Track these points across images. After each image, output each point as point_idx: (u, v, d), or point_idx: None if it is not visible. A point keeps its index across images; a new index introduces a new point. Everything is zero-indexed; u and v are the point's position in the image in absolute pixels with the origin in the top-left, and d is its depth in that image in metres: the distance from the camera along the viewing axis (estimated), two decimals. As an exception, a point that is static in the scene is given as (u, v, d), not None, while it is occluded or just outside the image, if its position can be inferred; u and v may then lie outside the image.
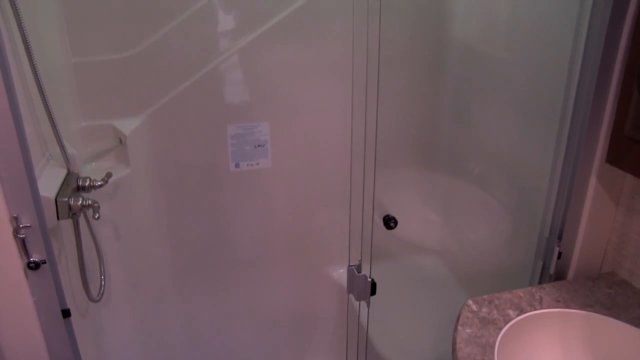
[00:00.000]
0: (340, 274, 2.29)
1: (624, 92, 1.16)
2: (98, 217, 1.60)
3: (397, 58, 2.03)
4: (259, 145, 2.00)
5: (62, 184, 1.54)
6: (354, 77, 1.81)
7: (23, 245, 1.13)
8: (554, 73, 1.52)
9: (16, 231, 1.11)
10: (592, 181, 1.32)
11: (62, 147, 1.57)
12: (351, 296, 1.90)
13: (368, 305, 1.78)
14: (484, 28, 1.92)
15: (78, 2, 1.74)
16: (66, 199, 1.47)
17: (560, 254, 1.46)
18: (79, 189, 1.65)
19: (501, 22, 1.84)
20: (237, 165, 2.01)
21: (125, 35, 1.81)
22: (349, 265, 1.81)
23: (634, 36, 1.12)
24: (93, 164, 1.94)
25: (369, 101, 1.67)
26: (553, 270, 1.49)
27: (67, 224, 1.65)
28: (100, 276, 1.87)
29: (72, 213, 1.52)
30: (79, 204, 1.52)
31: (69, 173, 1.61)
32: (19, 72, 1.40)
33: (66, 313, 1.26)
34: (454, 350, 1.13)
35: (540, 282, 1.57)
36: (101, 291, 1.85)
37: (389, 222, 2.06)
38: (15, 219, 1.11)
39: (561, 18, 1.49)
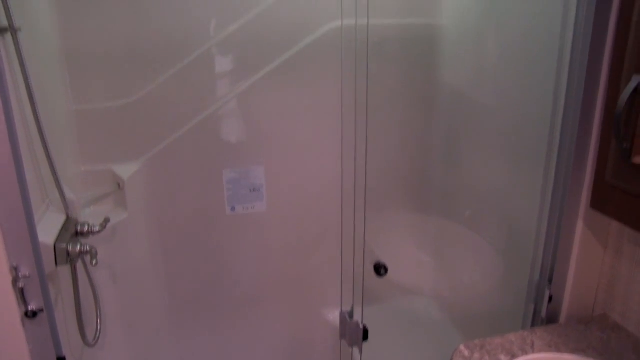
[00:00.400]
0: (336, 316, 2.29)
1: (603, 139, 1.20)
2: (96, 264, 1.62)
3: (387, 101, 2.09)
4: (254, 190, 2.03)
5: (61, 229, 1.57)
6: (343, 120, 1.86)
7: (21, 294, 1.15)
8: (538, 118, 1.57)
9: (15, 280, 1.13)
10: (579, 225, 1.34)
11: (61, 193, 1.61)
12: (344, 341, 1.90)
13: (360, 352, 1.78)
14: (472, 74, 1.98)
15: (80, 52, 1.80)
16: (65, 246, 1.49)
17: (551, 297, 1.47)
18: (78, 234, 1.67)
19: (488, 70, 1.90)
20: (233, 209, 2.04)
21: (125, 83, 1.87)
22: (341, 311, 1.81)
23: (610, 82, 1.16)
24: (91, 207, 1.97)
25: (359, 144, 1.71)
26: (544, 313, 1.50)
27: (64, 270, 1.67)
28: (97, 320, 1.88)
29: (70, 259, 1.54)
30: (77, 250, 1.55)
31: (67, 218, 1.64)
32: (22, 118, 1.44)
33: (62, 360, 1.27)
34: (446, 396, 1.13)
35: (533, 325, 1.58)
36: (97, 335, 1.85)
37: (380, 269, 2.06)
38: (15, 269, 1.12)
39: (544, 65, 1.54)
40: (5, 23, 1.33)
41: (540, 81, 1.57)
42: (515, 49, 1.71)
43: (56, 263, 1.49)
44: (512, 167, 1.79)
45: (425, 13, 2.03)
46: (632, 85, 1.06)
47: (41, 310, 1.18)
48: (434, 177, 2.26)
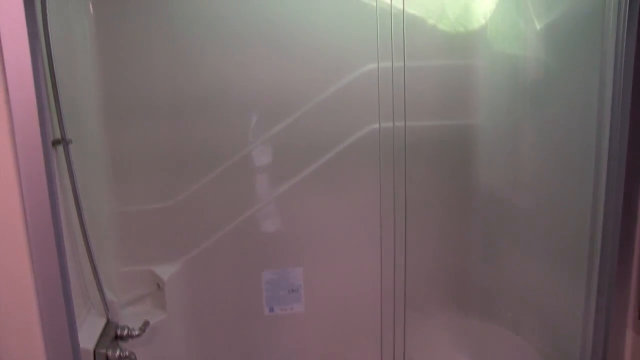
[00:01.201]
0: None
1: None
2: (134, 368, 1.61)
3: (424, 201, 2.09)
4: (292, 290, 2.02)
5: (101, 333, 1.58)
6: (382, 221, 1.87)
7: (61, 404, 1.14)
8: (578, 219, 1.53)
9: (56, 390, 1.12)
10: (629, 334, 1.28)
11: (102, 295, 1.63)
12: None
13: None
14: (508, 174, 1.99)
15: (124, 158, 1.89)
16: (104, 351, 1.50)
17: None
18: (117, 337, 1.67)
19: (524, 170, 1.90)
20: (271, 310, 2.03)
21: (166, 186, 1.94)
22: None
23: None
24: (131, 308, 1.98)
25: (397, 245, 1.70)
26: None
27: (102, 374, 1.66)
28: None
29: (109, 364, 1.54)
30: (116, 355, 1.54)
31: (108, 322, 1.65)
32: (67, 222, 1.50)
33: None
34: None
35: None
36: None
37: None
38: (57, 378, 1.13)
39: (581, 165, 1.53)
40: (58, 136, 1.43)
41: (578, 181, 1.56)
42: (551, 149, 1.72)
43: (96, 369, 1.48)
44: (553, 269, 1.74)
45: (460, 113, 2.06)
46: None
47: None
48: (473, 277, 2.20)
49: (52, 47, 1.40)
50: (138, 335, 1.71)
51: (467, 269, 2.20)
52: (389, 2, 1.90)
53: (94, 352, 1.47)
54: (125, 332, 1.69)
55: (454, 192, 2.13)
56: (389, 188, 1.73)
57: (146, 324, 1.78)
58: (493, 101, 2.01)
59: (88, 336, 1.52)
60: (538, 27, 1.75)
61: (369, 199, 2.00)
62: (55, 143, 1.42)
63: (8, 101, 0.99)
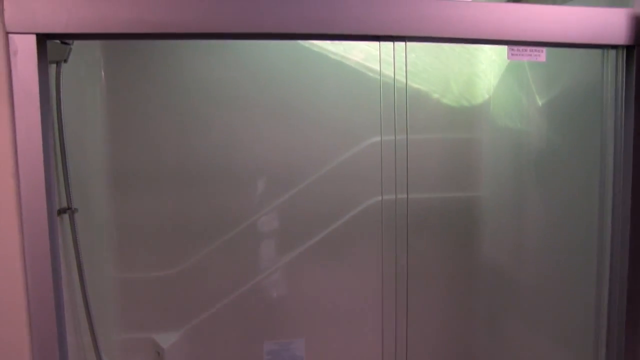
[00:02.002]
0: None
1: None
2: None
3: (428, 274, 2.07)
4: (294, 362, 1.99)
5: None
6: (384, 294, 1.84)
7: None
8: (584, 298, 1.51)
9: None
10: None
11: (101, 364, 1.61)
12: None
13: None
14: (513, 249, 1.97)
15: (129, 226, 1.92)
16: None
17: None
18: (112, 409, 1.63)
19: (528, 244, 1.88)
20: (271, 382, 1.98)
21: (170, 254, 1.95)
22: None
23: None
24: (129, 376, 1.94)
25: (399, 317, 1.67)
26: None
27: None
28: None
29: None
30: None
31: (104, 392, 1.62)
32: (69, 288, 1.50)
33: None
34: None
35: None
36: None
37: None
38: None
39: (585, 240, 1.52)
40: (65, 204, 1.46)
41: (582, 255, 1.54)
42: (554, 223, 1.71)
43: None
44: (559, 344, 1.69)
45: (464, 186, 2.08)
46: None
47: None
48: (476, 352, 2.15)
49: (63, 117, 1.44)
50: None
51: (471, 343, 2.15)
52: (393, 77, 1.95)
53: None
54: (121, 403, 1.65)
55: (458, 264, 2.12)
56: (391, 260, 1.72)
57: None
58: (496, 174, 2.03)
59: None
60: (540, 103, 1.79)
61: (372, 270, 1.98)
62: (61, 212, 1.44)
63: (17, 174, 1.01)
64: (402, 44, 1.21)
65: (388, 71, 1.41)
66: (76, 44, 1.61)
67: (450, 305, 2.13)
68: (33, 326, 1.07)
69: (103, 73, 1.86)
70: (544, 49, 1.28)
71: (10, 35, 1.00)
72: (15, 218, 1.03)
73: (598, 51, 1.32)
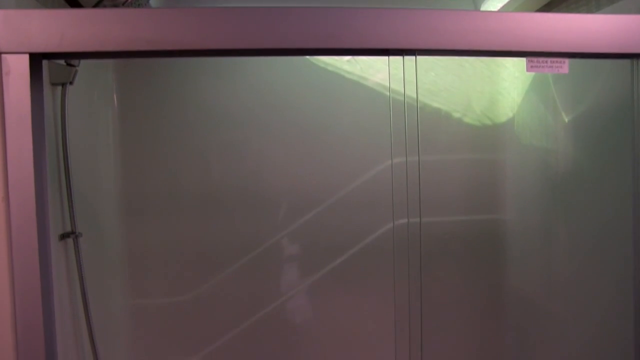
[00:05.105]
0: None
1: None
2: None
3: (449, 301, 1.97)
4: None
5: None
6: (396, 324, 1.76)
7: None
8: (619, 333, 1.40)
9: None
10: None
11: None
12: None
13: None
14: (540, 276, 1.86)
15: (142, 253, 1.88)
16: None
17: None
18: None
19: (557, 271, 1.78)
20: (286, 416, 1.89)
21: (184, 280, 1.90)
22: None
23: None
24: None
25: (413, 349, 1.59)
26: None
27: None
28: None
29: None
30: None
31: None
32: (73, 317, 1.46)
33: None
34: None
35: None
36: None
37: None
38: None
39: (618, 265, 1.42)
40: (69, 229, 1.42)
41: (616, 284, 1.44)
42: (585, 248, 1.61)
43: None
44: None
45: (488, 208, 2.00)
46: None
47: None
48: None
49: (68, 140, 1.42)
50: None
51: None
52: (415, 97, 1.89)
53: None
54: None
55: (481, 291, 2.01)
56: (411, 288, 1.64)
57: None
58: (522, 196, 1.93)
59: None
60: (566, 120, 1.70)
61: (389, 297, 1.90)
62: (64, 236, 1.41)
63: (7, 198, 0.97)
64: (420, 58, 1.15)
65: (410, 91, 1.34)
66: (88, 67, 1.60)
67: (473, 336, 2.02)
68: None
69: (115, 96, 1.85)
70: (567, 60, 1.20)
71: (2, 55, 0.97)
72: (5, 244, 0.98)
73: (627, 62, 1.24)
